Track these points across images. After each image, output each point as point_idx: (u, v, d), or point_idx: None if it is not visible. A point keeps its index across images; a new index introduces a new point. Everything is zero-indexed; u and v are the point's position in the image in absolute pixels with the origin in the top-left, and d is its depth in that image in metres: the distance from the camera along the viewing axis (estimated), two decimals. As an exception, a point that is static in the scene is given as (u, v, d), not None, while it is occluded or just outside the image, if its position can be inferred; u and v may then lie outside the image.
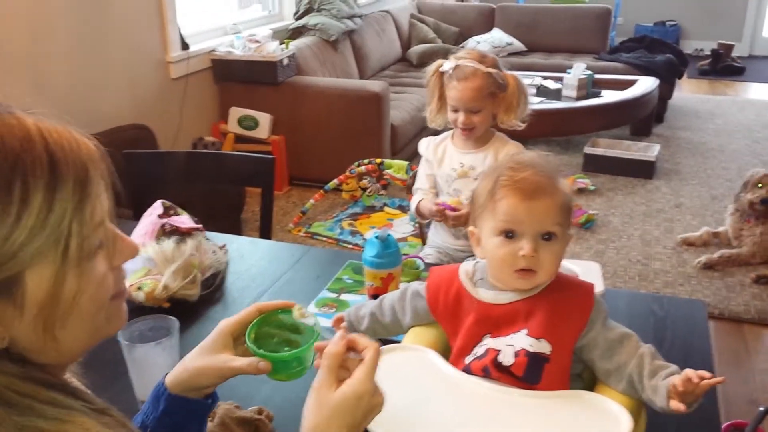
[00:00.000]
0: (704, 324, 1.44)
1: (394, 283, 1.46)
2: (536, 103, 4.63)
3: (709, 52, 7.69)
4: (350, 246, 3.52)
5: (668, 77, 5.48)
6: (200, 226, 1.68)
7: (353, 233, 3.68)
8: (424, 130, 4.15)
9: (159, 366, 1.11)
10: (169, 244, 1.52)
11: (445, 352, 1.09)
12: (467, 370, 1.03)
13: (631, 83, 5.06)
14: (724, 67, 7.42)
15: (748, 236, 3.38)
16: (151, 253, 1.50)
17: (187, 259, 1.50)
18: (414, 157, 3.79)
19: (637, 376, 0.97)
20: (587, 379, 1.06)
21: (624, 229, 3.77)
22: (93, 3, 3.15)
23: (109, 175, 0.69)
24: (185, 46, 3.80)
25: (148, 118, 3.43)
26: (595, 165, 4.54)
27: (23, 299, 0.63)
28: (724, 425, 2.13)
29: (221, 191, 3.16)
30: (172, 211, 1.67)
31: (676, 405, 0.91)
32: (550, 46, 6.26)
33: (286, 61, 4.08)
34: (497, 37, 6.22)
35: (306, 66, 4.32)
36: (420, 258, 1.71)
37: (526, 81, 2.02)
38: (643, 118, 5.11)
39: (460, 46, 6.02)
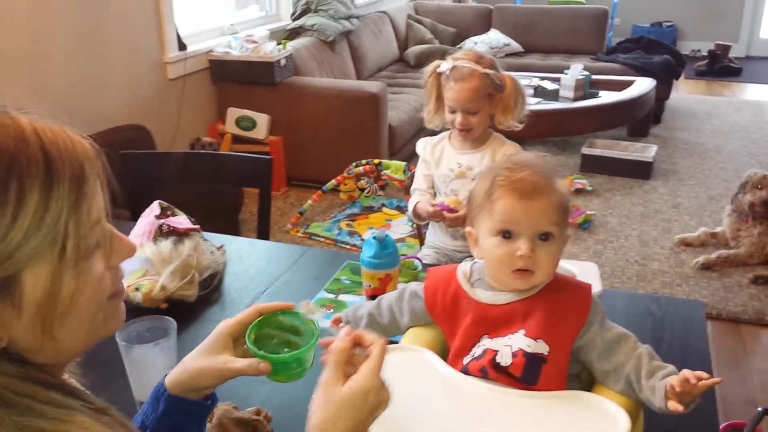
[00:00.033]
0: (702, 324, 1.45)
1: (392, 283, 1.46)
2: (534, 103, 4.63)
3: (706, 53, 7.70)
4: (348, 247, 3.52)
5: (665, 78, 5.49)
6: (198, 226, 1.67)
7: (351, 234, 3.68)
8: (421, 131, 4.15)
9: (157, 367, 1.11)
10: (166, 244, 1.52)
11: (443, 353, 1.09)
12: (465, 371, 1.03)
13: (629, 84, 5.07)
14: (721, 67, 7.43)
15: (746, 237, 3.39)
16: (149, 253, 1.50)
17: (185, 259, 1.50)
18: (412, 157, 3.80)
19: (635, 377, 0.97)
20: (585, 380, 1.06)
21: (622, 229, 3.78)
22: (90, 4, 3.15)
23: (104, 174, 0.69)
24: (182, 46, 3.80)
25: (146, 118, 3.42)
26: (592, 165, 4.54)
27: (21, 299, 0.63)
28: (722, 425, 2.13)
29: (219, 192, 3.15)
30: (169, 212, 1.67)
31: (674, 405, 0.91)
32: (547, 47, 6.26)
33: (283, 62, 4.08)
34: (494, 37, 6.22)
35: (303, 66, 4.32)
36: (418, 259, 1.71)
37: (523, 82, 2.02)
38: (640, 118, 5.12)
39: (458, 46, 6.02)
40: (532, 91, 4.85)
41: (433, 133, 2.07)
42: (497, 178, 1.05)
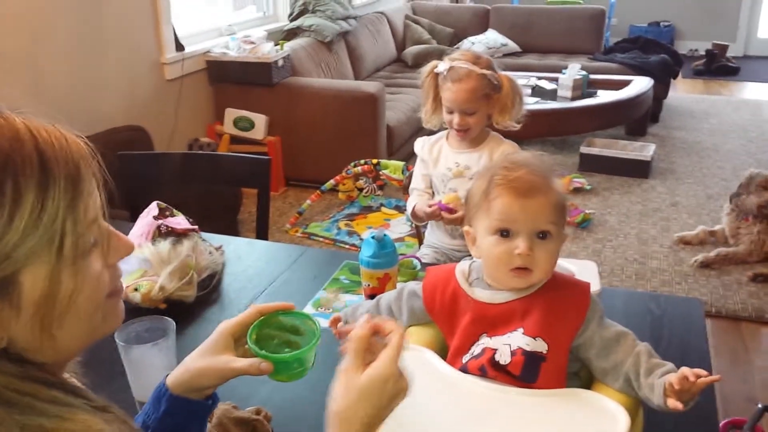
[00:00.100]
0: (701, 322, 1.45)
1: (390, 283, 1.46)
2: (532, 103, 4.64)
3: (703, 53, 7.71)
4: (347, 246, 3.52)
5: (663, 77, 5.49)
6: (196, 227, 1.67)
7: (350, 233, 3.68)
8: (420, 131, 4.15)
9: (156, 367, 1.11)
10: (165, 245, 1.52)
11: (442, 352, 1.09)
12: (464, 370, 1.03)
13: (626, 83, 5.07)
14: (718, 67, 7.44)
15: (746, 235, 3.39)
16: (147, 254, 1.50)
17: (184, 260, 1.50)
18: (410, 157, 3.80)
19: (634, 375, 0.97)
20: (584, 378, 1.06)
21: (620, 228, 3.78)
22: (88, 5, 3.15)
23: (100, 172, 0.69)
24: (180, 47, 3.80)
25: (144, 119, 3.42)
26: (590, 165, 4.55)
27: (19, 299, 0.63)
28: (722, 423, 2.13)
29: (217, 192, 3.15)
30: (167, 213, 1.67)
31: (673, 403, 0.91)
32: (544, 47, 6.27)
33: (281, 63, 4.08)
34: (492, 38, 6.23)
35: (301, 67, 4.32)
36: (417, 258, 1.71)
37: (521, 81, 2.02)
38: (638, 118, 5.12)
39: (455, 47, 6.03)
40: (530, 91, 4.85)
41: (431, 133, 2.07)
42: (495, 177, 1.05)
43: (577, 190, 4.21)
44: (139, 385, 1.14)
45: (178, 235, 1.59)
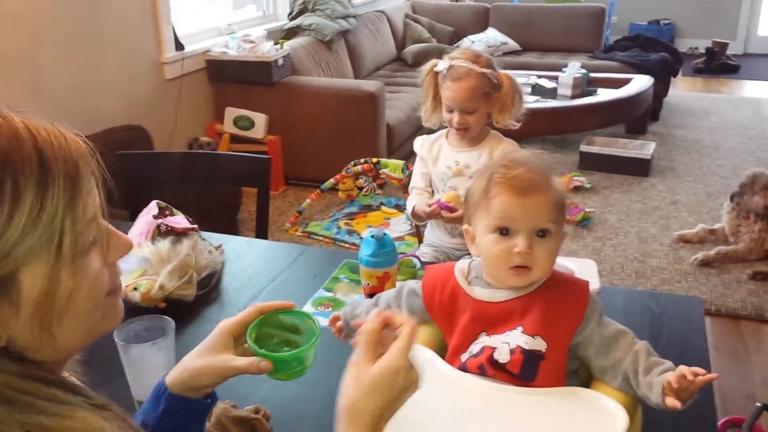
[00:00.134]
0: (700, 320, 1.45)
1: (390, 281, 1.47)
2: (532, 102, 4.63)
3: (703, 51, 7.70)
4: (347, 245, 3.52)
5: (663, 75, 5.49)
6: (195, 226, 1.68)
7: (350, 233, 3.68)
8: (420, 130, 4.15)
9: (155, 366, 1.11)
10: (164, 244, 1.52)
11: (441, 351, 1.09)
12: (463, 368, 1.03)
13: (626, 82, 5.07)
14: (718, 65, 7.44)
15: (746, 233, 3.39)
16: (147, 253, 1.50)
17: (183, 259, 1.50)
18: (410, 156, 3.80)
19: (632, 373, 0.97)
20: (583, 376, 1.06)
21: (620, 226, 3.78)
22: (87, 4, 3.15)
23: (99, 171, 0.69)
24: (180, 46, 3.80)
25: (143, 118, 3.42)
26: (591, 163, 4.55)
27: (19, 298, 0.63)
28: (721, 421, 2.13)
29: (217, 191, 3.15)
30: (167, 212, 1.67)
31: (672, 402, 0.91)
32: (544, 45, 6.26)
33: (280, 62, 4.07)
34: (492, 36, 6.23)
35: (301, 66, 4.32)
36: (416, 257, 1.71)
37: (521, 80, 2.02)
38: (638, 116, 5.12)
39: (455, 45, 6.03)
40: (530, 89, 4.85)
41: (431, 132, 2.07)
42: (494, 176, 1.05)
43: (577, 189, 4.21)
44: (139, 384, 1.14)
45: (178, 234, 1.59)
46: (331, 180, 3.87)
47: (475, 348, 1.04)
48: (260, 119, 4.07)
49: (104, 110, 3.28)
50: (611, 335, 1.01)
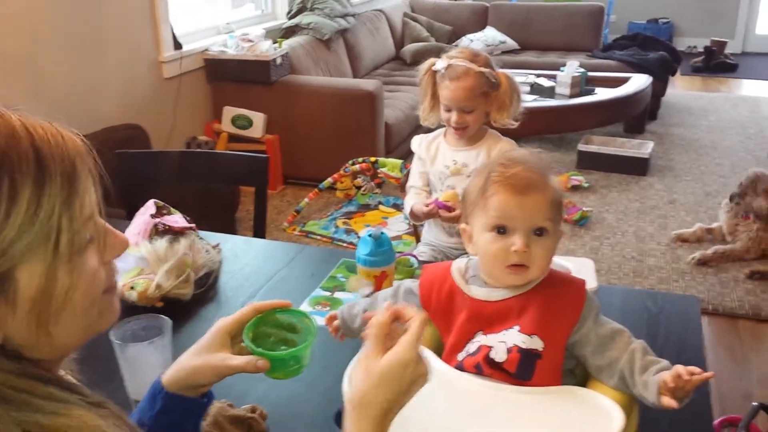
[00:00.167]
0: (697, 320, 1.45)
1: (387, 281, 1.46)
2: (530, 101, 4.63)
3: (702, 49, 7.71)
4: (345, 245, 3.52)
5: (661, 74, 5.49)
6: (193, 225, 1.67)
7: (348, 232, 3.68)
8: (418, 129, 4.15)
9: (151, 365, 1.11)
10: (161, 243, 1.52)
11: (438, 350, 1.09)
12: (460, 367, 1.03)
13: (625, 81, 5.07)
14: (717, 64, 7.44)
15: (744, 231, 3.39)
16: (144, 252, 1.50)
17: (180, 258, 1.50)
18: (408, 155, 3.79)
19: (629, 372, 0.97)
20: (580, 375, 1.06)
21: (618, 225, 3.78)
22: (86, 4, 3.14)
23: (96, 169, 0.69)
24: (178, 45, 3.79)
25: (141, 117, 3.42)
26: (588, 162, 4.55)
27: (15, 296, 0.63)
28: (718, 420, 2.13)
29: (215, 190, 3.15)
30: (164, 211, 1.67)
31: (668, 401, 0.91)
32: (543, 44, 6.26)
33: (279, 61, 4.07)
34: (490, 35, 6.23)
35: (299, 65, 4.32)
36: (414, 256, 1.71)
37: (519, 79, 2.02)
38: (636, 115, 5.12)
39: (454, 44, 6.03)
40: (528, 89, 4.85)
41: (429, 131, 2.07)
42: (492, 174, 1.05)
43: (575, 188, 4.21)
44: (135, 383, 1.14)
45: (175, 234, 1.59)
46: (329, 179, 3.87)
47: (471, 347, 1.04)
48: (258, 118, 4.07)
49: (102, 109, 3.28)
50: (608, 334, 1.02)
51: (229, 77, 4.08)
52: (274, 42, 4.19)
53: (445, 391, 1.00)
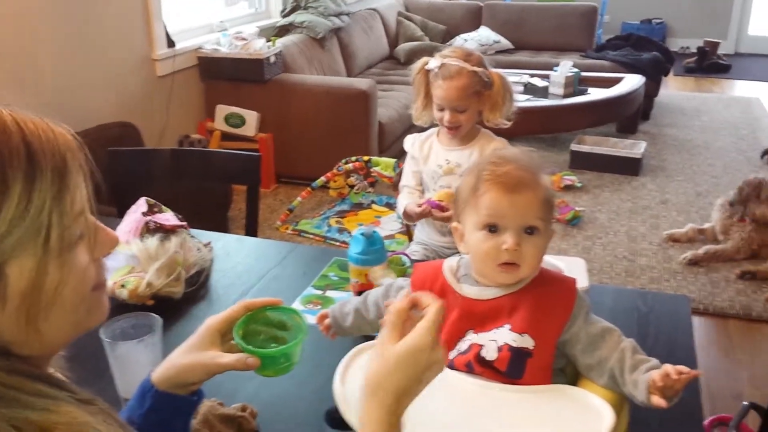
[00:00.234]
0: (687, 319, 1.45)
1: (379, 279, 1.46)
2: (523, 100, 4.64)
3: (695, 50, 7.73)
4: (338, 243, 3.52)
5: (654, 75, 5.51)
6: (184, 223, 1.67)
7: (341, 231, 3.68)
8: (411, 128, 4.15)
9: (141, 364, 1.10)
10: (153, 241, 1.52)
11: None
12: (450, 366, 1.03)
13: (618, 81, 5.09)
14: (710, 64, 7.47)
15: (737, 231, 3.40)
16: (135, 250, 1.49)
17: (172, 256, 1.50)
18: (402, 154, 3.79)
19: (619, 371, 0.98)
20: (570, 374, 1.06)
21: (610, 225, 3.79)
22: (79, 1, 3.13)
23: (87, 165, 0.69)
24: (171, 43, 3.78)
25: (134, 115, 3.41)
26: (581, 162, 4.56)
27: (5, 291, 0.63)
28: (709, 419, 2.14)
29: (208, 189, 3.14)
30: (156, 209, 1.66)
31: (657, 400, 0.91)
32: (536, 44, 6.28)
33: (272, 59, 4.07)
34: (484, 35, 6.23)
35: (293, 64, 4.32)
36: (406, 255, 1.71)
37: (513, 79, 2.03)
38: (629, 115, 5.14)
39: (448, 44, 6.03)
40: (522, 88, 4.86)
41: (422, 130, 2.07)
42: (483, 173, 1.05)
43: (568, 188, 4.22)
44: (125, 381, 1.14)
45: (167, 232, 1.58)
46: (323, 178, 3.86)
47: (462, 345, 1.04)
48: (251, 117, 4.07)
49: (95, 107, 3.27)
50: (598, 333, 1.02)
51: (223, 75, 4.07)
52: (268, 40, 4.18)
53: (436, 389, 1.00)
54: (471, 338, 1.04)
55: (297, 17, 4.77)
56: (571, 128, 4.93)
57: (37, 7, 2.92)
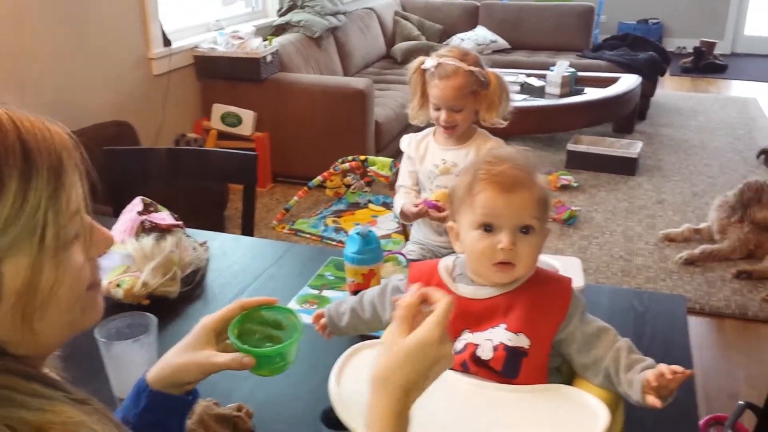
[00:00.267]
0: (683, 319, 1.45)
1: (375, 279, 1.46)
2: (520, 100, 4.64)
3: (691, 50, 7.75)
4: (334, 243, 3.52)
5: (651, 75, 5.52)
6: (180, 222, 1.67)
7: (337, 230, 3.68)
8: (408, 127, 4.15)
9: (136, 363, 1.10)
10: (148, 240, 1.51)
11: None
12: (447, 365, 1.03)
13: (614, 81, 5.09)
14: (706, 64, 7.48)
15: (735, 231, 3.40)
16: (131, 250, 1.49)
17: (167, 255, 1.49)
18: (398, 154, 3.80)
19: (614, 370, 0.98)
20: (565, 373, 1.06)
21: (607, 225, 3.80)
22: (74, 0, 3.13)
23: (83, 164, 0.69)
24: (167, 42, 3.78)
25: (130, 114, 3.40)
26: (578, 162, 4.56)
27: (0, 290, 0.62)
28: (704, 419, 2.15)
29: (204, 188, 3.14)
30: (151, 208, 1.66)
31: (652, 400, 0.91)
32: (533, 43, 6.28)
33: (269, 58, 4.06)
34: (481, 34, 6.23)
35: (290, 63, 4.31)
36: (402, 254, 1.71)
37: (509, 78, 2.03)
38: (625, 115, 5.15)
39: (444, 43, 6.03)
40: (518, 88, 4.86)
41: (418, 130, 2.07)
42: (478, 172, 1.05)
43: (564, 187, 4.22)
44: (120, 381, 1.13)
45: (162, 231, 1.58)
46: (319, 177, 3.86)
47: (458, 345, 1.04)
48: (248, 116, 4.06)
49: (91, 106, 3.26)
50: (593, 332, 1.02)
51: (219, 74, 4.06)
52: (265, 39, 4.17)
53: (432, 388, 1.00)
54: (466, 338, 1.04)
55: (294, 16, 4.77)
56: (567, 128, 4.93)
57: (34, 6, 2.91)
